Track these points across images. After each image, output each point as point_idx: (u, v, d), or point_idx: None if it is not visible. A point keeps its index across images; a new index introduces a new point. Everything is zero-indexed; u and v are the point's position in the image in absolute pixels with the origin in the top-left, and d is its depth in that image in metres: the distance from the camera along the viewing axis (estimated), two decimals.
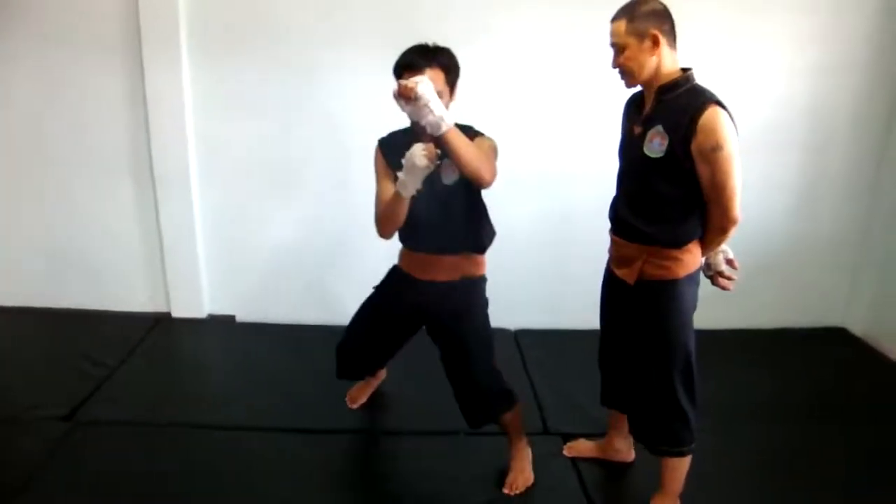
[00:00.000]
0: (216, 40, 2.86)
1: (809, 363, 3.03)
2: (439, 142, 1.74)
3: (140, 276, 3.20)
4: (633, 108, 1.87)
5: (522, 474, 2.14)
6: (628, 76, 1.76)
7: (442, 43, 1.90)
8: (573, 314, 3.05)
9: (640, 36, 1.69)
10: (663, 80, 1.73)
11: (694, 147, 1.65)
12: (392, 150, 1.91)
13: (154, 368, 2.77)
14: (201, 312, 3.22)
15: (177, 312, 3.21)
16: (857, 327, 3.30)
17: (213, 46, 2.86)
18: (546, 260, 3.19)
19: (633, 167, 1.83)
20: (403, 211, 1.86)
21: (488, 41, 2.83)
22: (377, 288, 2.23)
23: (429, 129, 1.70)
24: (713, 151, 1.63)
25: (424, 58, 1.82)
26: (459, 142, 1.73)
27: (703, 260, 1.84)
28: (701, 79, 1.76)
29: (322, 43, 2.85)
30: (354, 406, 2.53)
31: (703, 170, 1.67)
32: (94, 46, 2.85)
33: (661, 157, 1.70)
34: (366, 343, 2.28)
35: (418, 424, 2.44)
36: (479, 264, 2.09)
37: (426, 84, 1.67)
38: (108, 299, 3.19)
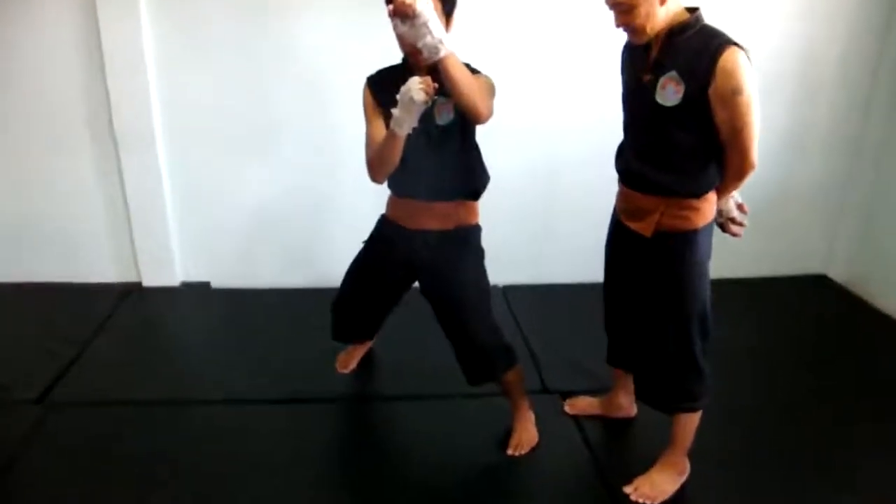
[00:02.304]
0: None
1: (791, 311, 3.05)
2: (435, 72, 1.61)
3: (105, 243, 3.02)
4: (636, 54, 1.74)
5: (526, 434, 2.09)
6: (638, 34, 1.62)
7: None
8: (560, 268, 3.05)
9: None
10: (672, 23, 1.61)
11: (712, 91, 1.56)
12: (382, 87, 1.78)
13: (127, 343, 2.62)
14: (174, 280, 3.07)
15: (148, 281, 3.06)
16: (839, 275, 3.34)
17: None
18: (533, 214, 3.11)
19: (644, 117, 1.72)
20: (398, 151, 1.73)
21: None
22: (367, 241, 2.13)
23: (425, 53, 1.57)
24: (733, 95, 1.55)
25: None
26: (458, 69, 1.60)
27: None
28: None
29: None
30: (345, 371, 2.44)
31: (721, 115, 1.58)
32: None
33: (676, 105, 1.60)
34: (360, 300, 2.19)
35: (414, 388, 2.36)
36: (474, 212, 1.99)
37: (425, 1, 1.52)
38: (73, 271, 3.01)
